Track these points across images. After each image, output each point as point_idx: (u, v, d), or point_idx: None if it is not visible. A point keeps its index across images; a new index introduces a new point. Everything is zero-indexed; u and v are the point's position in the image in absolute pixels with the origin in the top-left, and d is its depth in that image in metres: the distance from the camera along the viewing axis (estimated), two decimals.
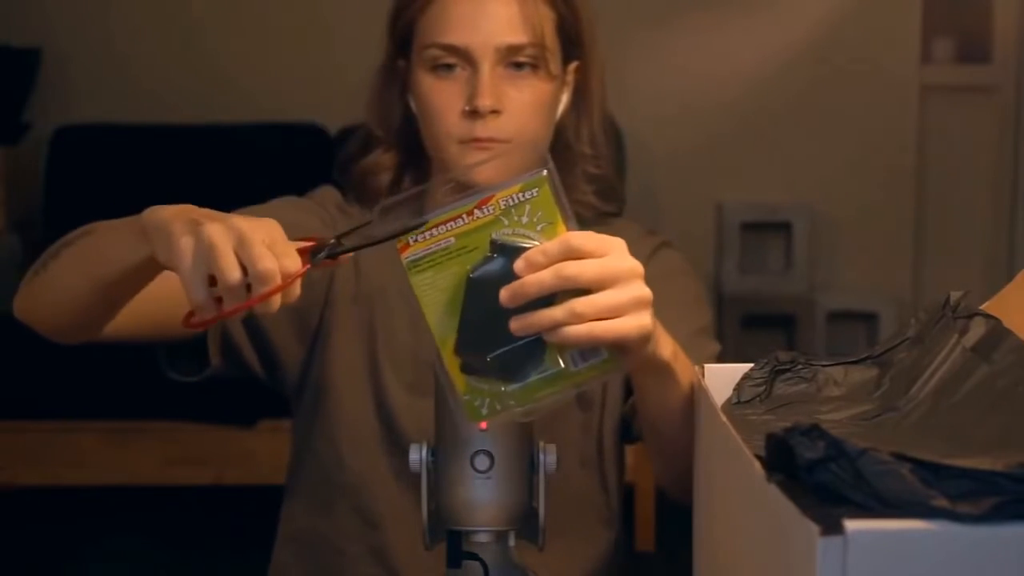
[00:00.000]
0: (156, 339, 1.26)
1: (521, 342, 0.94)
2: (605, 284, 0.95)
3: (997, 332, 0.85)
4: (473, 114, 1.27)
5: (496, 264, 0.94)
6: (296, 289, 0.95)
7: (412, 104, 1.35)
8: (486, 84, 1.26)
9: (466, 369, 0.95)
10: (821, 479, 0.66)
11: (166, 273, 1.15)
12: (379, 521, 1.35)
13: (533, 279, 0.93)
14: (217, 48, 3.93)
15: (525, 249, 0.93)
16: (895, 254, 4.02)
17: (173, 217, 0.98)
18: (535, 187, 0.93)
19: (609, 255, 0.95)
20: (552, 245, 0.93)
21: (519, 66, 1.28)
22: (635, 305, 0.96)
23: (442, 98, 1.28)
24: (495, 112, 1.26)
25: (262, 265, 0.91)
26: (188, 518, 3.40)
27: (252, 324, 1.32)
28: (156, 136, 3.72)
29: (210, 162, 3.61)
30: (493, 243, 0.94)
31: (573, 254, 0.94)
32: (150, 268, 1.06)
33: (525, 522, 1.02)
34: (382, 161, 1.38)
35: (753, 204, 3.96)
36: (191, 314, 0.97)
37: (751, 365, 0.97)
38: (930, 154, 4.04)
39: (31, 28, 3.87)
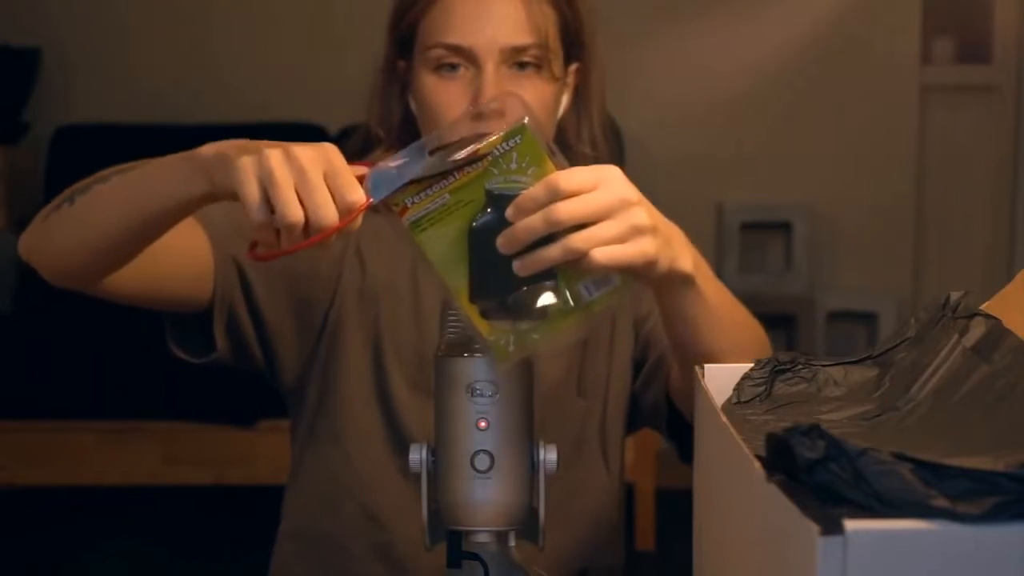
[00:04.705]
0: (157, 303, 1.26)
1: (533, 281, 0.95)
2: (598, 217, 0.96)
3: (997, 332, 0.84)
4: (478, 116, 1.26)
5: (495, 213, 0.95)
6: (357, 222, 0.95)
7: (412, 104, 1.35)
8: (490, 84, 1.26)
9: (485, 315, 0.97)
10: (821, 479, 0.66)
11: (181, 232, 1.16)
12: (384, 518, 1.35)
13: (524, 225, 0.94)
14: (217, 48, 3.94)
15: (519, 195, 0.95)
16: (895, 254, 4.01)
17: (230, 145, 0.99)
18: (517, 135, 0.95)
19: (598, 188, 0.96)
20: (537, 189, 0.95)
21: (522, 66, 1.28)
22: (632, 232, 0.97)
23: (445, 98, 1.28)
24: (499, 112, 1.26)
25: (322, 212, 0.93)
26: (188, 518, 3.40)
27: (256, 311, 1.33)
28: (156, 136, 3.72)
29: None
30: (489, 193, 0.95)
31: (560, 195, 0.94)
32: (197, 206, 1.07)
33: (525, 522, 1.02)
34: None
35: (753, 204, 3.95)
36: (255, 244, 0.99)
37: (751, 365, 0.96)
38: (930, 154, 4.04)
39: (31, 28, 3.87)
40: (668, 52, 3.93)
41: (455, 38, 1.27)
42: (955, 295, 0.91)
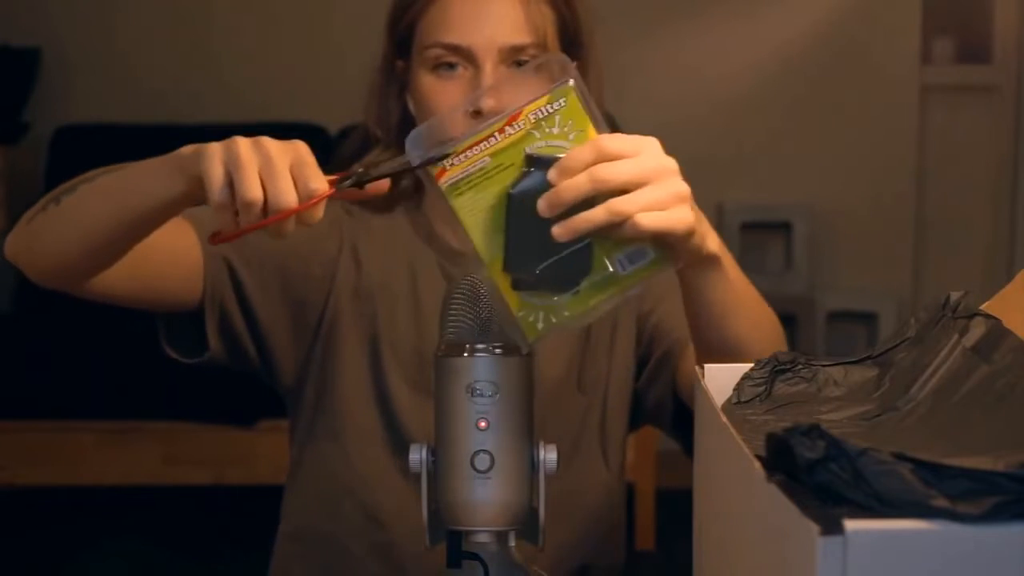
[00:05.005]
0: (146, 303, 1.26)
1: (568, 251, 0.94)
2: (641, 182, 0.96)
3: (997, 332, 0.84)
4: (476, 114, 1.27)
5: (534, 177, 0.94)
6: (319, 211, 0.96)
7: (411, 104, 1.35)
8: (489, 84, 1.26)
9: (517, 286, 0.95)
10: (821, 479, 0.66)
11: (170, 231, 1.16)
12: (384, 519, 1.35)
13: (569, 184, 0.93)
14: (217, 48, 3.94)
15: (559, 159, 0.94)
16: (895, 254, 4.02)
17: (211, 144, 1.01)
18: (562, 97, 0.94)
19: (642, 154, 0.96)
20: (583, 150, 0.94)
21: (521, 66, 1.28)
22: (675, 200, 0.98)
23: (444, 98, 1.28)
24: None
25: (282, 197, 0.94)
26: (188, 518, 3.40)
27: (248, 309, 1.33)
28: (156, 136, 3.71)
29: None
30: (528, 157, 0.94)
31: (605, 156, 0.94)
32: (181, 205, 1.08)
33: (525, 522, 1.02)
34: (380, 160, 1.38)
35: (753, 204, 3.95)
36: (217, 233, 0.99)
37: (751, 365, 0.96)
38: (930, 154, 4.04)
39: (31, 28, 3.87)
40: (668, 52, 3.93)
41: (453, 38, 1.27)
42: (955, 295, 0.91)
